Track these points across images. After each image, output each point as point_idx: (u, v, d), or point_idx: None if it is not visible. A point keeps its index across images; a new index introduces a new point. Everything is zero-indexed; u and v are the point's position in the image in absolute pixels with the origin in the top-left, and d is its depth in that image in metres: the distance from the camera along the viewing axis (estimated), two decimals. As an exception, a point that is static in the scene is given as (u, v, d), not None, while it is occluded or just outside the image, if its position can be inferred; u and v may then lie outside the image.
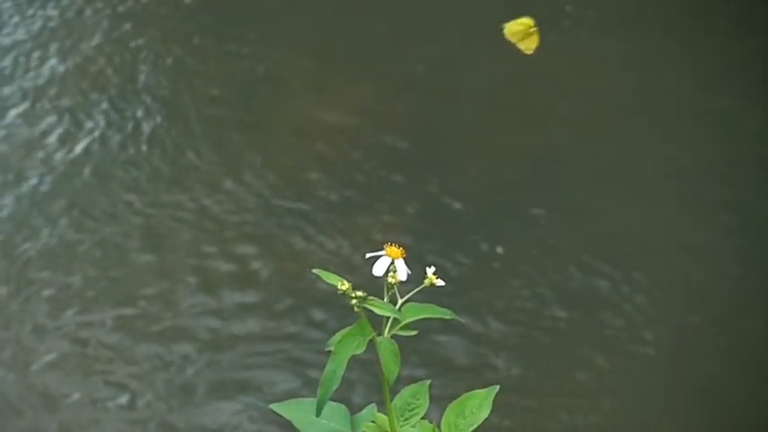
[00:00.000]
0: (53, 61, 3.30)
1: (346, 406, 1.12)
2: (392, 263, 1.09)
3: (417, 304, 1.10)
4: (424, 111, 3.19)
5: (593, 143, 3.09)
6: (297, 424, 1.13)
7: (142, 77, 3.25)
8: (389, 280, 1.08)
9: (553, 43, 3.32)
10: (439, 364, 2.56)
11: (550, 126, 3.12)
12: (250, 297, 2.71)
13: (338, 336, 1.06)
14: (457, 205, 2.91)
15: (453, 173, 2.99)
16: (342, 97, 3.20)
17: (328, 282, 1.07)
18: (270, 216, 2.88)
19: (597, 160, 3.04)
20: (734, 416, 2.50)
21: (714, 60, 3.28)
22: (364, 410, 1.14)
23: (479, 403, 1.14)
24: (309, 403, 1.13)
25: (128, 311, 2.67)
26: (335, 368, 1.03)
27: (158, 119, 3.14)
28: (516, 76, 3.24)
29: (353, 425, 1.12)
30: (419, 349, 2.56)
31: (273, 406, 1.15)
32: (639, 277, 2.74)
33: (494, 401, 1.14)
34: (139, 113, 3.15)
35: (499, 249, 2.81)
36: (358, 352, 1.04)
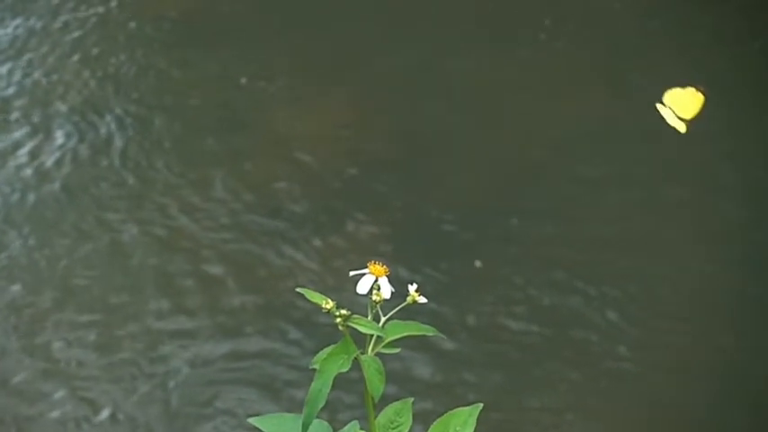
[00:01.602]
0: (35, 74, 3.30)
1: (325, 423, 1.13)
2: (376, 281, 1.10)
3: (400, 322, 1.12)
4: (402, 121, 3.20)
5: (573, 155, 3.11)
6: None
7: (122, 90, 3.25)
8: (374, 298, 1.09)
9: (530, 55, 3.35)
10: (411, 381, 2.57)
11: (528, 136, 3.13)
12: (224, 314, 2.72)
13: (323, 354, 1.07)
14: (436, 217, 2.92)
15: (432, 184, 3.01)
16: (322, 109, 3.20)
17: (312, 301, 1.08)
18: (245, 232, 2.88)
19: (578, 172, 3.05)
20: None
21: (692, 70, 3.31)
22: (347, 427, 1.16)
23: (463, 421, 1.15)
24: (290, 419, 1.15)
25: (101, 329, 2.67)
26: (321, 386, 1.05)
27: (131, 132, 3.14)
28: (492, 84, 3.26)
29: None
30: (391, 366, 2.57)
31: (252, 420, 1.16)
32: (631, 290, 2.75)
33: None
34: (113, 127, 3.15)
35: (478, 263, 2.82)
36: (343, 370, 1.05)
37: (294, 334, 2.62)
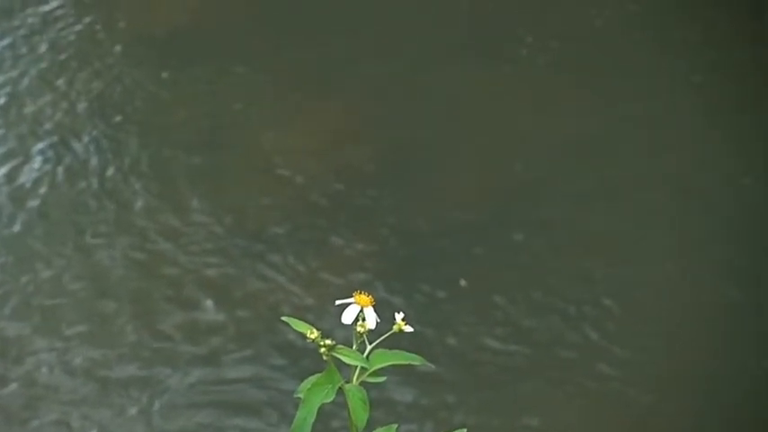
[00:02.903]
0: (20, 95, 3.28)
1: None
2: (361, 311, 1.10)
3: (386, 351, 1.13)
4: (388, 136, 3.20)
5: (559, 168, 3.10)
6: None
7: (107, 112, 3.24)
8: (358, 329, 1.10)
9: (515, 70, 3.35)
10: (395, 404, 2.56)
11: (515, 151, 3.13)
12: (205, 336, 2.71)
13: (307, 383, 1.08)
14: (422, 233, 2.92)
15: (418, 199, 3.01)
16: (308, 125, 3.19)
17: (297, 330, 1.08)
18: (226, 256, 2.87)
19: (564, 185, 3.05)
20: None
21: (678, 82, 3.30)
22: None
23: None
24: None
25: (84, 353, 2.67)
26: (306, 415, 1.06)
27: (112, 155, 3.12)
28: (478, 99, 3.26)
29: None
30: (374, 389, 2.55)
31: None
32: (613, 308, 2.75)
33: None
34: (93, 149, 3.13)
35: (463, 282, 2.82)
36: (327, 400, 1.07)
37: (275, 356, 2.63)
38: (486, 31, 3.49)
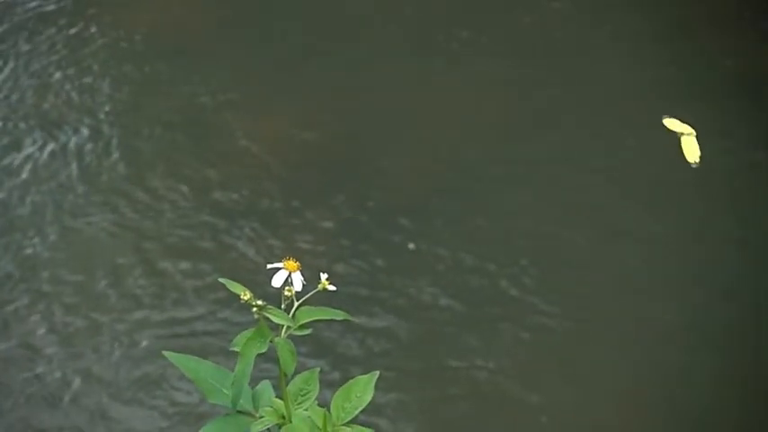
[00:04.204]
0: (12, 94, 3.33)
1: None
2: (289, 275, 1.14)
3: (311, 307, 1.17)
4: (345, 122, 3.24)
5: (500, 149, 3.15)
6: (201, 386, 1.21)
7: (94, 101, 3.30)
8: (286, 293, 1.14)
9: (454, 64, 3.40)
10: (338, 355, 2.63)
11: (457, 132, 3.18)
12: (171, 301, 2.78)
13: (242, 338, 1.13)
14: (375, 208, 2.97)
15: (366, 181, 3.05)
16: (273, 113, 3.24)
17: (233, 291, 1.13)
18: (195, 230, 2.92)
19: (504, 162, 3.10)
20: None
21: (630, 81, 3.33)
22: (259, 385, 1.23)
23: (363, 388, 1.23)
24: (209, 366, 1.23)
25: (72, 321, 2.73)
26: (245, 367, 1.11)
27: (93, 142, 3.18)
28: (424, 88, 3.32)
29: (253, 398, 1.22)
30: (322, 342, 2.61)
31: (168, 354, 1.22)
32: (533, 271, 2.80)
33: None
34: (72, 135, 3.18)
35: (411, 246, 2.87)
36: (262, 351, 1.12)
37: (236, 318, 2.69)
38: (426, 28, 3.54)
